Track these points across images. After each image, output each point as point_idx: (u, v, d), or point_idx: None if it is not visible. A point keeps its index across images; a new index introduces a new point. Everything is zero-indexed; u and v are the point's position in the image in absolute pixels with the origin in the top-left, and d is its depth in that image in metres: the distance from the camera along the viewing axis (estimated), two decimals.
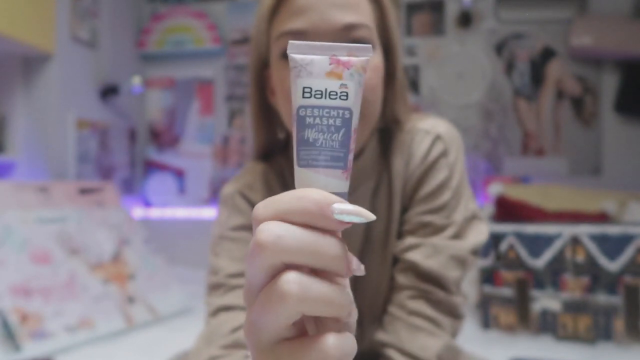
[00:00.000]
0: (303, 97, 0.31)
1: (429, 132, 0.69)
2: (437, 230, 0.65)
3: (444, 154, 0.68)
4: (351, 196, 0.68)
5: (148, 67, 3.11)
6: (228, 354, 0.60)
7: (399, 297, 0.65)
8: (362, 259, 0.71)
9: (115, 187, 2.37)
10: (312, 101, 0.30)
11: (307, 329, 0.31)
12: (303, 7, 0.58)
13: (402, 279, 0.65)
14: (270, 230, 0.28)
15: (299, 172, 0.31)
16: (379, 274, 0.71)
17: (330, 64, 0.30)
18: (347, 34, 0.58)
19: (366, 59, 0.31)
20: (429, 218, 0.66)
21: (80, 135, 2.52)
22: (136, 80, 2.73)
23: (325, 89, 0.30)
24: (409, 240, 0.66)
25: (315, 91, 0.30)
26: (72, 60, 2.45)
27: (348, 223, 0.29)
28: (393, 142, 0.70)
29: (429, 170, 0.67)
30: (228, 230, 0.69)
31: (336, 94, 0.30)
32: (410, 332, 0.62)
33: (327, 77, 0.30)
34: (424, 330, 0.62)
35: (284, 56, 0.60)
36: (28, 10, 2.13)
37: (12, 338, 1.55)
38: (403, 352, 0.61)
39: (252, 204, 0.70)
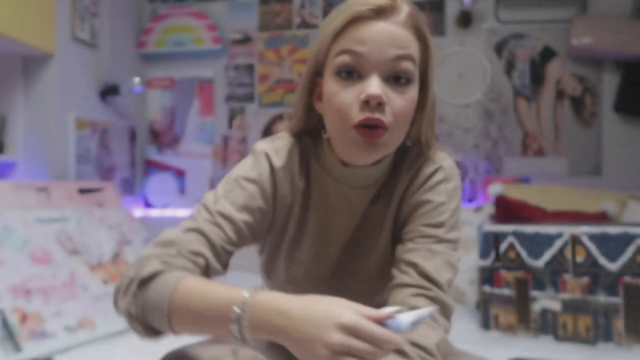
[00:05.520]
0: None
1: (435, 162, 0.80)
2: (436, 242, 0.75)
3: (445, 180, 0.79)
4: (361, 190, 0.79)
5: (148, 67, 3.11)
6: (183, 265, 0.68)
7: (401, 295, 0.71)
8: (341, 258, 0.82)
9: (115, 187, 2.37)
10: None
11: None
12: (364, 38, 0.69)
13: (405, 277, 0.72)
14: None
15: None
16: (358, 279, 0.82)
17: None
18: (395, 63, 0.69)
19: None
20: (428, 231, 0.75)
21: (80, 135, 2.51)
22: (136, 80, 2.72)
23: None
24: (409, 245, 0.75)
25: None
26: (72, 60, 2.45)
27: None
28: (405, 161, 0.81)
29: (430, 190, 0.78)
30: (243, 178, 0.76)
31: None
32: None
33: None
34: (425, 323, 0.67)
35: (337, 73, 0.70)
36: (28, 10, 2.13)
37: (12, 338, 1.55)
38: (408, 341, 0.65)
39: (272, 166, 0.78)
